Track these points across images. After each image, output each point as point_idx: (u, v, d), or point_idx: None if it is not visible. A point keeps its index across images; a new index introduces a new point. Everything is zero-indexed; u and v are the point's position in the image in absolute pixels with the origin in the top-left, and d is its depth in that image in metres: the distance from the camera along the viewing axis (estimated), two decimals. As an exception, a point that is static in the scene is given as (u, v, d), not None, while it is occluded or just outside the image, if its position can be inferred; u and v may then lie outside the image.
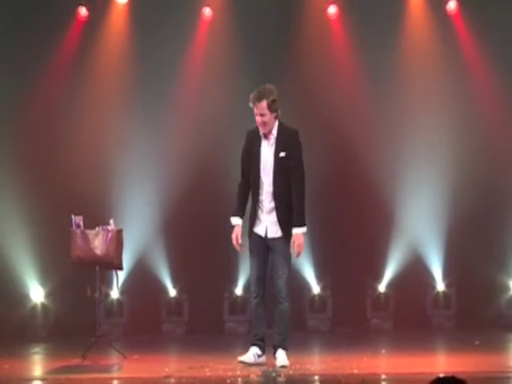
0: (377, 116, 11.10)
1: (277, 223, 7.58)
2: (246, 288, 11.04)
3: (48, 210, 10.70)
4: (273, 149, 7.62)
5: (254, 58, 10.94)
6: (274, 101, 7.58)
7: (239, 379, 7.17)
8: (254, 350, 7.68)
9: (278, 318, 7.61)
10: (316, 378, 7.26)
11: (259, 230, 7.65)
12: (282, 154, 7.58)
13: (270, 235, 7.62)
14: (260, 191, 7.61)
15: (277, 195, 7.58)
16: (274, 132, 7.63)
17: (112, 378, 7.55)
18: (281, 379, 7.16)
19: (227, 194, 10.95)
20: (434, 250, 10.98)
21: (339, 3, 11.27)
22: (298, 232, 7.57)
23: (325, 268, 11.03)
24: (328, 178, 11.01)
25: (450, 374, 3.90)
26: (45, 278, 10.87)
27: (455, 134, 10.83)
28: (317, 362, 8.55)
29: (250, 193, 7.71)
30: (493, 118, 11.01)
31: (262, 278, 7.65)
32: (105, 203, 10.51)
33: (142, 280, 10.77)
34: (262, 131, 7.65)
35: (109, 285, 10.35)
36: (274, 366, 7.56)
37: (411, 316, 10.83)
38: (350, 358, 8.16)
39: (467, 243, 10.91)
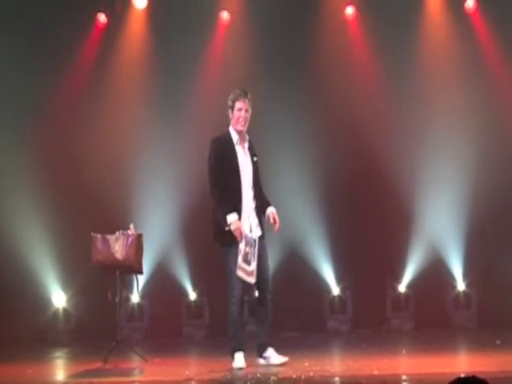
0: (396, 116, 11.08)
1: (258, 224, 7.83)
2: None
3: (69, 215, 10.76)
4: (248, 153, 7.85)
5: (271, 61, 10.95)
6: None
7: (260, 381, 7.17)
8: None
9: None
10: (336, 379, 7.24)
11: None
12: (255, 159, 7.87)
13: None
14: (243, 195, 7.75)
15: (256, 196, 7.82)
16: (246, 136, 7.89)
17: (133, 382, 7.57)
18: (301, 380, 7.15)
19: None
20: (455, 249, 10.94)
21: (356, 4, 11.28)
22: (273, 210, 7.81)
23: (345, 269, 11.03)
24: (347, 178, 11.01)
25: (471, 374, 3.89)
26: (66, 283, 10.94)
27: (475, 133, 10.79)
28: (337, 364, 8.53)
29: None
30: (513, 117, 10.97)
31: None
32: (125, 208, 10.56)
33: (162, 284, 10.81)
34: (241, 128, 7.79)
35: (129, 289, 10.40)
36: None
37: (432, 316, 10.81)
38: (371, 359, 8.14)
39: (488, 242, 10.87)
